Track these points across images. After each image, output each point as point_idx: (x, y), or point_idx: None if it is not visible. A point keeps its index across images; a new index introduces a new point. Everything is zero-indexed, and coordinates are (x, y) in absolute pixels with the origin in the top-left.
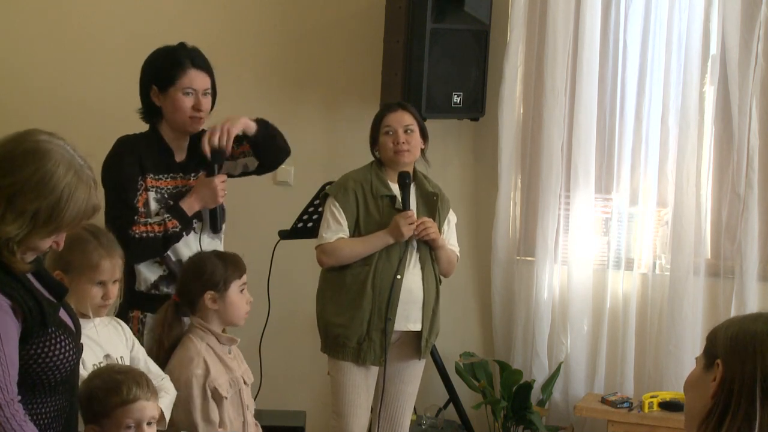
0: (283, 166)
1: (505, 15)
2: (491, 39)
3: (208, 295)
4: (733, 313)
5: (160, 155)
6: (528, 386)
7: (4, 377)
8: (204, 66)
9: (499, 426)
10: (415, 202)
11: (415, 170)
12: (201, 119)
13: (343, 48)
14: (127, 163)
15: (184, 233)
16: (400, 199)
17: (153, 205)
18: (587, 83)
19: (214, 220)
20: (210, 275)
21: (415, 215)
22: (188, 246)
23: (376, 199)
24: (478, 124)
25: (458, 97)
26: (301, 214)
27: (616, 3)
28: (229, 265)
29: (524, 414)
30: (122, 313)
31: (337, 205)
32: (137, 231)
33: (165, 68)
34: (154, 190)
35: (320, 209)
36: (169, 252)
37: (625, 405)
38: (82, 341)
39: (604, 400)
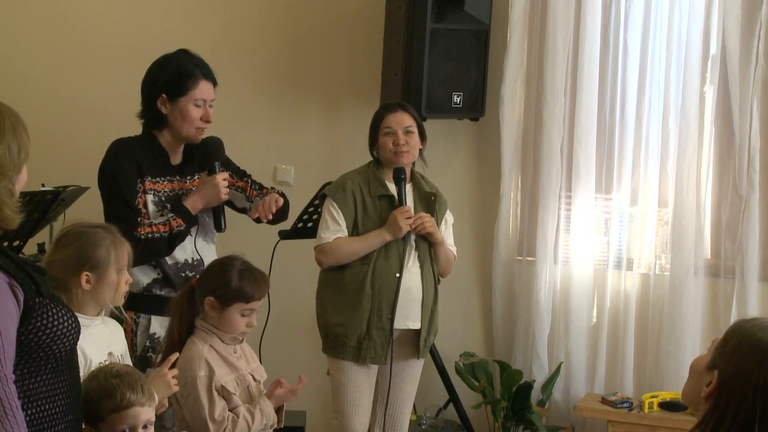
0: (283, 165)
1: (505, 15)
2: (491, 39)
3: (209, 301)
4: (733, 314)
5: (157, 158)
6: (528, 386)
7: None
8: (211, 77)
9: (499, 426)
10: (412, 202)
11: (413, 171)
12: (205, 130)
13: (343, 48)
14: (126, 165)
15: (190, 232)
16: (397, 197)
17: (151, 208)
18: (587, 83)
19: (218, 218)
20: (220, 284)
21: (412, 210)
22: (183, 249)
23: (374, 199)
24: (478, 124)
25: (458, 97)
26: (301, 214)
27: (617, 3)
28: (244, 286)
29: (524, 414)
30: (115, 315)
31: (336, 205)
32: (143, 232)
33: (177, 78)
34: (152, 192)
35: (320, 209)
36: None
37: (625, 405)
38: (87, 341)
39: (604, 400)
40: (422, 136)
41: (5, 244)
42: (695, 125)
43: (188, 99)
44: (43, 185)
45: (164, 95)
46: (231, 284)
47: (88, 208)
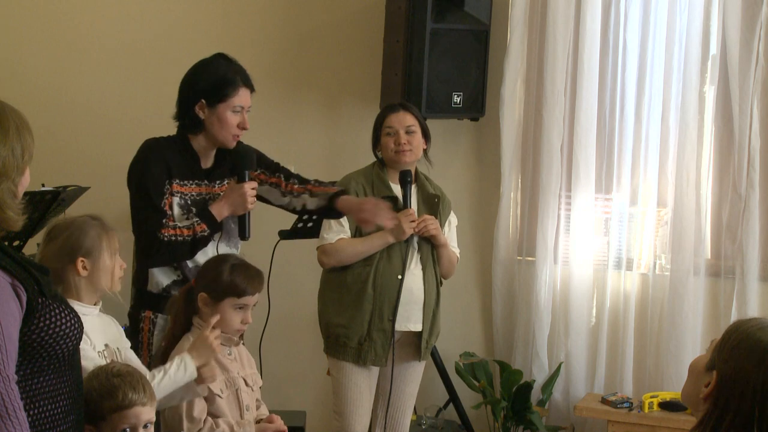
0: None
1: (505, 15)
2: (491, 39)
3: (202, 296)
4: (733, 314)
5: (187, 161)
6: (528, 386)
7: (1, 353)
8: (250, 84)
9: (499, 426)
10: (416, 203)
11: (417, 171)
12: (240, 136)
13: (343, 48)
14: (155, 166)
15: (212, 238)
16: (401, 198)
17: (176, 210)
18: (587, 83)
19: (242, 226)
20: (211, 279)
21: (416, 214)
22: (204, 253)
23: None
24: (478, 124)
25: (458, 97)
26: (302, 214)
27: (616, 3)
28: (236, 280)
29: (524, 414)
30: (134, 314)
31: None
32: (166, 234)
33: (218, 85)
34: (178, 195)
35: None
36: None
37: (625, 405)
38: (86, 328)
39: (604, 400)
40: (426, 136)
41: (5, 244)
42: (695, 125)
43: (227, 105)
44: (43, 185)
45: (203, 100)
46: (222, 278)
47: (88, 208)
